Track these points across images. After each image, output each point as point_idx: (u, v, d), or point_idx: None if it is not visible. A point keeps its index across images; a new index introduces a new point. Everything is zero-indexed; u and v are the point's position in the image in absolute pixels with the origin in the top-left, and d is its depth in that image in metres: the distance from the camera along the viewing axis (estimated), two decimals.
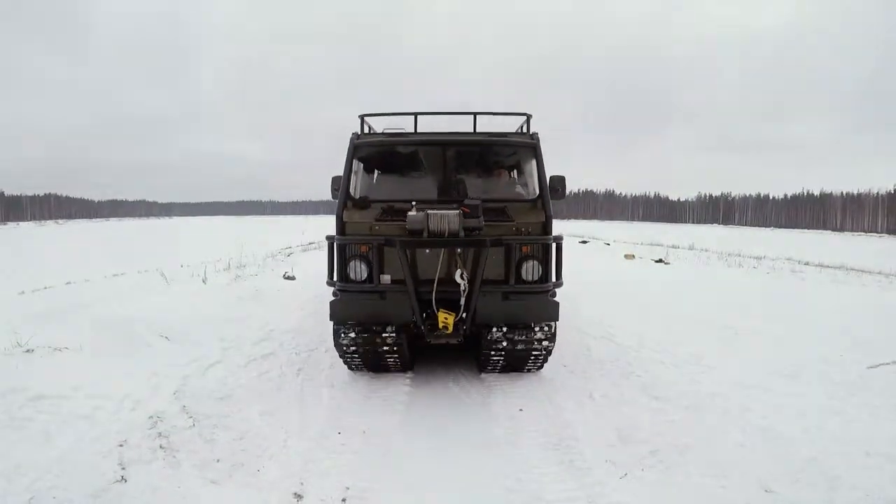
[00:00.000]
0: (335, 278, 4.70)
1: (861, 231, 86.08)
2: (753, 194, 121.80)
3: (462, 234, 4.42)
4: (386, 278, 4.61)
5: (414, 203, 4.56)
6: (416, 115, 5.16)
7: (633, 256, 17.86)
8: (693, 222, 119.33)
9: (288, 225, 57.35)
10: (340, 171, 5.02)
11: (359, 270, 4.59)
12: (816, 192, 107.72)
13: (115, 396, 4.21)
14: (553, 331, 4.81)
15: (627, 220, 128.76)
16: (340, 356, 4.95)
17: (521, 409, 4.39)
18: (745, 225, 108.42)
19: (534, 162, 5.09)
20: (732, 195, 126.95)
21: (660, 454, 3.60)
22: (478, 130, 5.30)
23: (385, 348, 4.75)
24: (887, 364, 5.33)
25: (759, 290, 10.42)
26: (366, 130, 5.41)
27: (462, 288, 4.48)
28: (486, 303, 4.55)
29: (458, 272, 4.49)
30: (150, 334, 5.75)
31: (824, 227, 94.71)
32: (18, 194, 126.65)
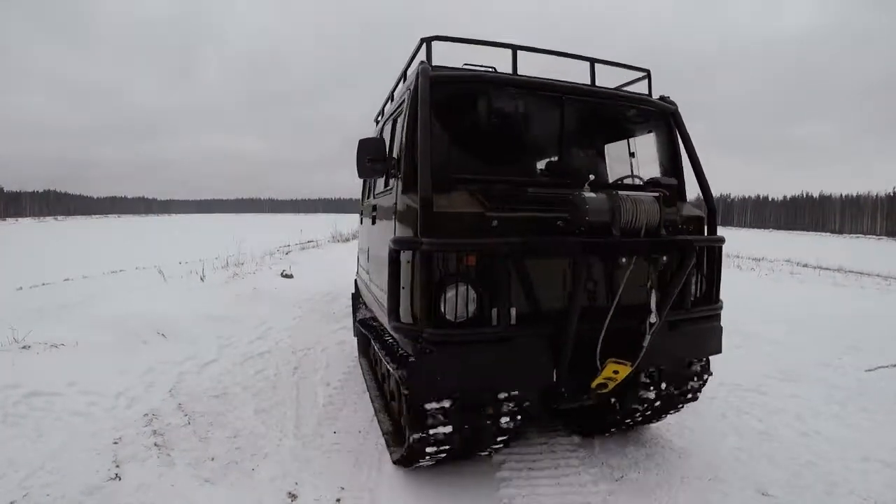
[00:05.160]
0: (416, 317, 2.68)
1: (860, 233, 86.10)
2: (753, 196, 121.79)
3: (663, 231, 2.86)
4: (512, 312, 2.70)
5: (592, 177, 2.88)
6: (514, 48, 3.30)
7: None
8: None
9: (288, 223, 57.40)
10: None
11: (465, 302, 2.64)
12: (815, 195, 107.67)
13: (111, 393, 4.21)
14: (707, 365, 3.59)
15: None
16: (416, 449, 2.86)
17: None
18: (745, 227, 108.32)
19: (673, 133, 3.70)
20: (732, 196, 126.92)
21: (656, 457, 3.59)
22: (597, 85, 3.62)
23: (497, 428, 2.91)
24: (885, 367, 5.33)
25: (758, 292, 10.41)
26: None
27: (651, 319, 2.88)
28: (655, 339, 2.92)
29: (653, 295, 2.88)
30: (147, 331, 5.73)
31: (823, 230, 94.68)
32: (18, 190, 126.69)
